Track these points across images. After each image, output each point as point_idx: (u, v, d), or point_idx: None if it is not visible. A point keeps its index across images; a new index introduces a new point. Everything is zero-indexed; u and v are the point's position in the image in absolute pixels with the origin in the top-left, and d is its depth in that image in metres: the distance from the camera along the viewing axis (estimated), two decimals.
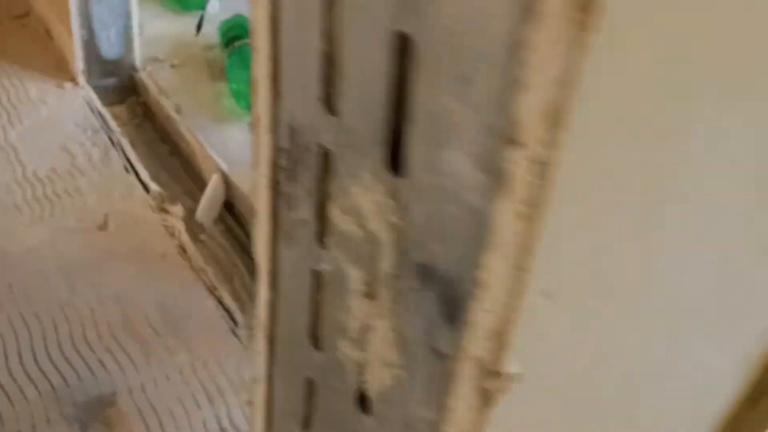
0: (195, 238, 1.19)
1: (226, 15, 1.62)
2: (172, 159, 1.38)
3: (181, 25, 1.64)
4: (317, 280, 0.42)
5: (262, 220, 0.45)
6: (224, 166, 1.29)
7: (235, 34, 1.53)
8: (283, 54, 0.38)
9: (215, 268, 1.14)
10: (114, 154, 1.32)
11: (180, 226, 1.19)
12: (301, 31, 0.36)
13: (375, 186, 0.35)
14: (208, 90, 1.51)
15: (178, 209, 1.21)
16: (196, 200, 1.27)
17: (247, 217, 1.25)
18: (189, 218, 1.22)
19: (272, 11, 0.37)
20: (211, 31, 1.60)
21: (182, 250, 1.15)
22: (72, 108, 1.42)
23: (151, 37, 1.57)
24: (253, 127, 0.42)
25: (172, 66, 1.54)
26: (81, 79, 1.49)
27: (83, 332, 1.02)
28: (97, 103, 1.44)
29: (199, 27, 1.61)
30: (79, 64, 1.48)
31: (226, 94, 1.48)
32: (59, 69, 1.50)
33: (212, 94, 1.50)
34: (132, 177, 1.29)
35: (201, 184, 1.31)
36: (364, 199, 0.36)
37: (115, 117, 1.42)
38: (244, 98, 1.43)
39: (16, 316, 1.03)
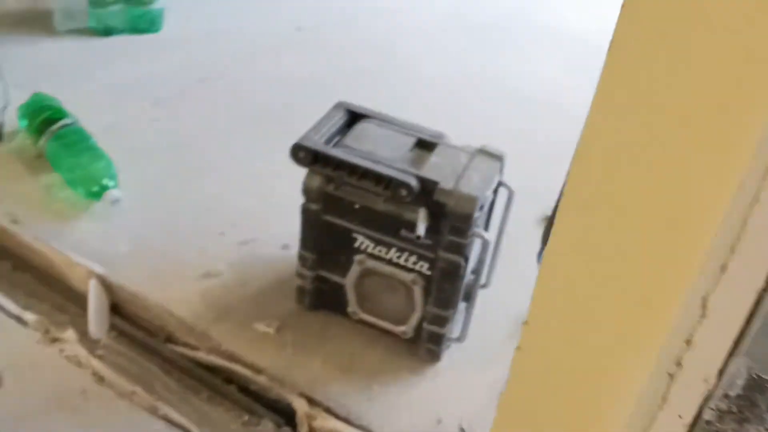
0: (94, 355, 1.12)
1: (24, 96, 1.48)
2: (27, 279, 1.27)
3: None
4: None
5: None
6: (97, 268, 1.20)
7: (44, 117, 1.39)
8: None
9: (127, 378, 1.08)
10: None
11: (82, 352, 1.11)
12: None
13: None
14: (36, 187, 1.38)
15: (70, 334, 1.13)
16: (77, 313, 1.19)
17: (137, 312, 1.19)
18: (84, 338, 1.14)
19: None
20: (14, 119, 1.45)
21: (99, 377, 1.08)
22: None
23: None
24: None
25: None
26: None
27: None
28: None
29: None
30: None
31: (58, 185, 1.36)
32: None
33: (42, 190, 1.37)
34: (2, 316, 1.18)
35: (74, 294, 1.22)
36: None
37: None
38: (82, 184, 1.33)
39: None
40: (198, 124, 1.64)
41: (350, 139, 1.05)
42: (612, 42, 0.43)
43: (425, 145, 1.07)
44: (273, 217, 1.39)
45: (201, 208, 1.39)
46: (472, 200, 0.96)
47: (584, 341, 0.54)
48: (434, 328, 1.08)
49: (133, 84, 1.74)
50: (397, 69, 2.01)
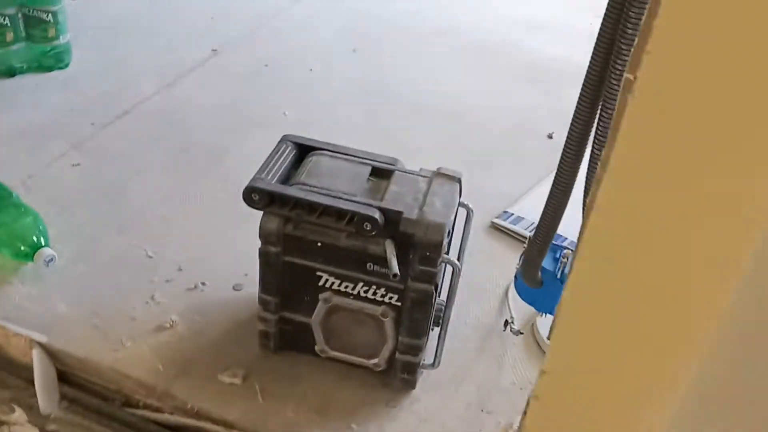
0: None
1: None
2: None
3: None
4: None
5: None
6: (38, 336, 1.11)
7: None
8: None
9: None
10: None
11: None
12: None
13: None
14: None
15: (19, 415, 1.04)
16: (21, 387, 1.10)
17: (88, 378, 1.11)
18: (33, 415, 1.05)
19: None
20: None
21: None
22: None
23: None
24: None
25: None
26: None
27: None
28: None
29: None
30: None
31: None
32: None
33: None
34: None
35: (16, 367, 1.12)
36: None
37: None
38: (9, 245, 1.22)
39: None
40: (125, 162, 1.56)
41: (304, 174, 1.02)
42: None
43: (381, 173, 1.05)
44: (219, 256, 1.33)
45: (141, 256, 1.31)
46: (439, 228, 0.94)
47: (604, 393, 0.53)
48: (407, 358, 1.05)
49: (46, 126, 1.63)
50: (308, 87, 1.98)
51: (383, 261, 0.97)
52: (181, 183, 1.51)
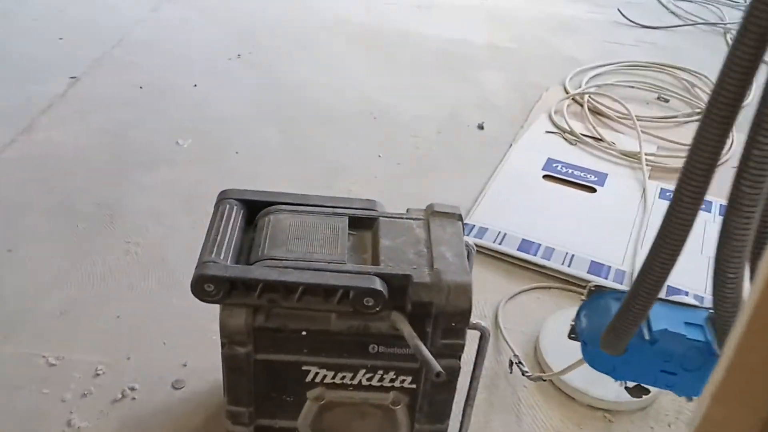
0: None
1: None
2: None
3: None
4: None
5: None
6: None
7: None
8: None
9: None
10: None
11: None
12: None
13: None
14: None
15: None
16: None
17: None
18: None
19: None
20: None
21: None
22: None
23: None
24: None
25: None
26: None
27: None
28: None
29: None
30: None
31: None
32: None
33: None
34: None
35: None
36: None
37: None
38: None
39: None
40: None
41: (266, 244, 0.77)
42: None
43: (362, 224, 0.82)
44: (145, 346, 1.05)
45: (41, 365, 1.01)
46: (464, 290, 0.73)
47: None
48: None
49: None
50: (198, 106, 1.69)
51: (389, 339, 0.75)
52: (70, 255, 1.20)
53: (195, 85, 1.75)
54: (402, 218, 0.82)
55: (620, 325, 0.62)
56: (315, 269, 0.73)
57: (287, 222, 0.80)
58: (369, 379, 0.79)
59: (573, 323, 0.75)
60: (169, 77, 1.76)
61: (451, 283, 0.73)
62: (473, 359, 0.82)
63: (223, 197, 0.83)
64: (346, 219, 0.81)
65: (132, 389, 0.98)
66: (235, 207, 0.81)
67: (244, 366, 0.76)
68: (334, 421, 0.83)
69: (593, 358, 0.72)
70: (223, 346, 0.76)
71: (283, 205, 0.82)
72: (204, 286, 0.72)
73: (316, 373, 0.78)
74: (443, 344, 0.75)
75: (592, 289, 0.73)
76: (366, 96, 1.76)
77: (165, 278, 1.17)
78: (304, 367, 0.78)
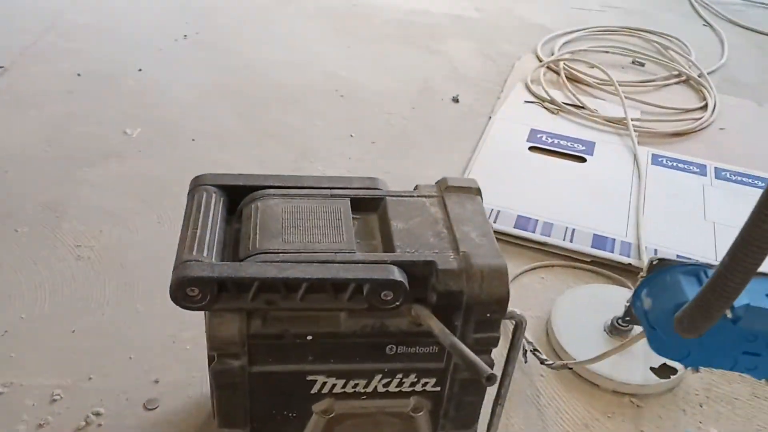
0: None
1: None
2: None
3: None
4: None
5: None
6: None
7: None
8: None
9: None
10: None
11: None
12: None
13: None
14: None
15: None
16: None
17: None
18: None
19: None
20: None
21: None
22: None
23: None
24: None
25: None
26: None
27: None
28: None
29: None
30: None
31: None
32: None
33: None
34: None
35: None
36: None
37: None
38: None
39: None
40: None
41: (257, 235, 0.64)
42: None
43: (366, 206, 0.70)
44: (110, 363, 0.91)
45: None
46: (500, 275, 0.62)
47: None
48: None
49: None
50: (144, 92, 1.54)
51: (410, 337, 0.64)
52: (12, 265, 1.04)
53: (140, 70, 1.59)
54: (412, 196, 0.71)
55: (710, 303, 0.52)
56: (320, 261, 0.61)
57: (279, 208, 0.67)
58: (386, 385, 0.67)
59: (628, 304, 0.65)
60: (109, 62, 1.60)
61: (484, 268, 0.62)
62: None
63: (198, 184, 0.70)
64: (348, 201, 0.69)
65: (97, 414, 0.84)
66: (213, 194, 0.68)
67: (239, 381, 0.64)
68: None
69: (662, 344, 0.62)
70: (211, 360, 0.63)
71: (271, 189, 0.70)
72: (187, 291, 0.59)
73: (324, 383, 0.67)
74: (476, 339, 0.64)
75: (654, 263, 0.63)
76: (329, 72, 1.63)
77: (125, 285, 1.02)
78: (310, 377, 0.66)
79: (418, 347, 0.65)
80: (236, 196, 0.70)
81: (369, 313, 0.62)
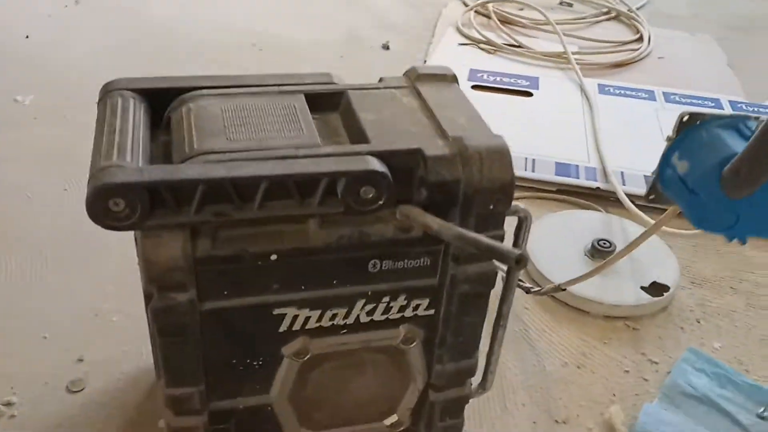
0: None
1: None
2: None
3: None
4: None
5: None
6: None
7: None
8: None
9: None
10: None
11: None
12: None
13: None
14: None
15: None
16: None
17: None
18: None
19: None
20: None
21: None
22: None
23: None
24: None
25: None
26: None
27: None
28: None
29: None
30: None
31: None
32: None
33: None
34: None
35: None
36: None
37: None
38: None
39: None
40: None
41: (193, 137, 0.51)
42: None
43: (324, 104, 0.57)
44: (22, 340, 0.75)
45: None
46: (502, 155, 0.51)
47: None
48: (452, 393, 0.63)
49: None
50: (36, 58, 1.36)
51: (397, 247, 0.52)
52: None
53: (27, 37, 1.40)
54: (378, 88, 0.59)
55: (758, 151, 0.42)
56: (279, 157, 0.49)
57: (217, 108, 0.54)
58: (370, 313, 0.56)
59: (653, 176, 0.55)
60: None
61: (482, 149, 0.51)
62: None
63: (110, 89, 0.56)
64: (302, 96, 0.56)
65: (8, 404, 0.69)
66: (131, 99, 0.55)
67: (187, 322, 0.50)
68: (323, 383, 0.59)
69: (705, 211, 0.52)
70: (149, 297, 0.49)
71: (204, 89, 0.56)
72: (109, 204, 0.45)
73: (295, 317, 0.54)
74: None
75: (685, 119, 0.54)
76: (244, 28, 1.49)
77: (31, 257, 0.86)
78: (277, 311, 0.53)
79: (406, 260, 0.54)
80: (160, 103, 0.56)
81: (345, 220, 0.50)
